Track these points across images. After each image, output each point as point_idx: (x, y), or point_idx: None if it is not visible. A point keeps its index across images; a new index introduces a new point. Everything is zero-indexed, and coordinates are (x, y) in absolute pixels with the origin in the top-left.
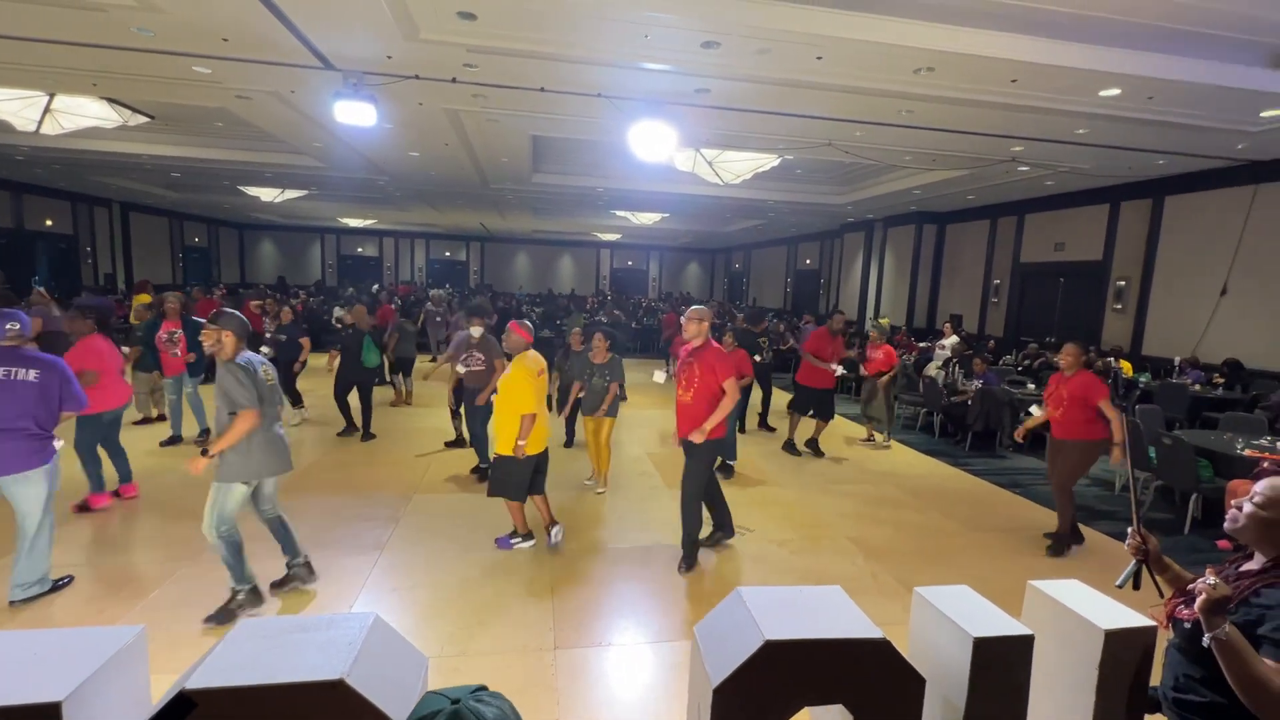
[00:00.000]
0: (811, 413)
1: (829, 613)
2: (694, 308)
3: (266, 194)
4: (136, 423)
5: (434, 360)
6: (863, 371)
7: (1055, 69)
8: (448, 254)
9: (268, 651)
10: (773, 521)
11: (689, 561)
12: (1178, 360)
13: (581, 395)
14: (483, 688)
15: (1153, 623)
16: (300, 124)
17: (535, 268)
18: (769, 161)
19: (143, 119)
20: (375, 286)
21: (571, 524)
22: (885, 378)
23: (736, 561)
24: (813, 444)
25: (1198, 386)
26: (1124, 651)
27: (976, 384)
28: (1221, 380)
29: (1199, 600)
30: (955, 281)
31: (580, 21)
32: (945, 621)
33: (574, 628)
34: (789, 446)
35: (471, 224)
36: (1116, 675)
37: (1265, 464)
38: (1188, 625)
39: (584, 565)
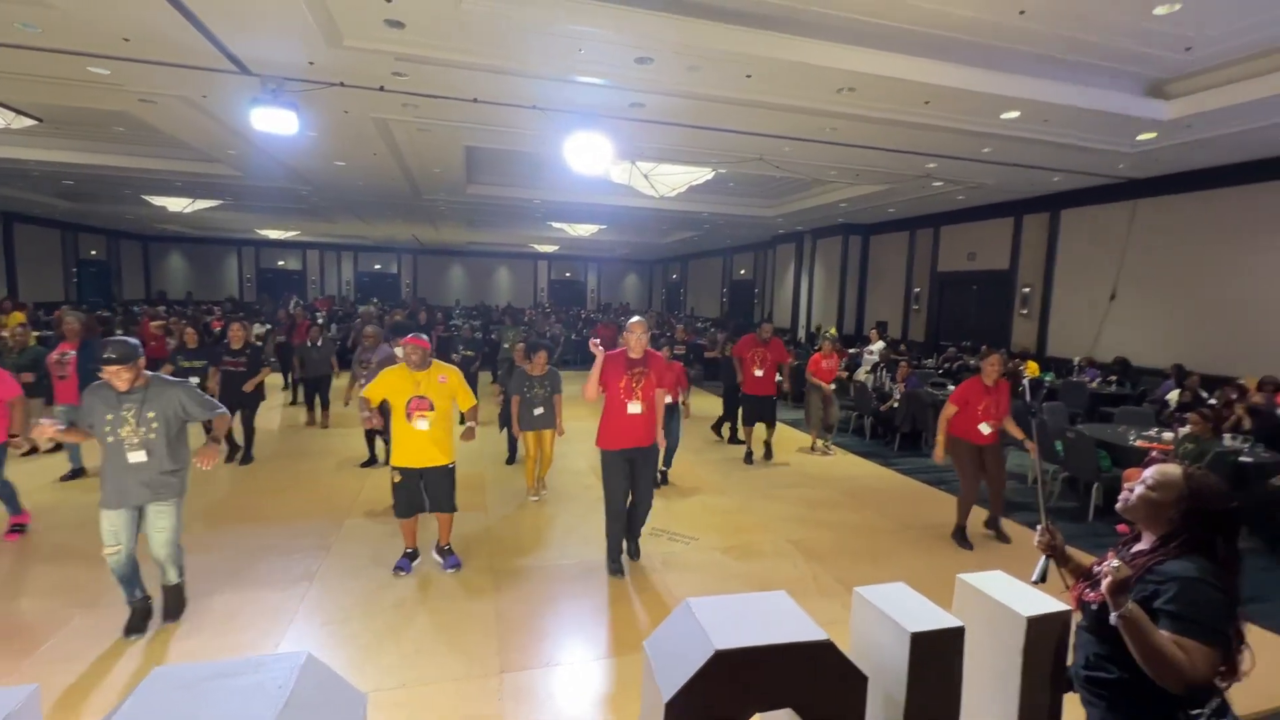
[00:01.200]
0: (759, 421)
1: (775, 618)
2: (635, 319)
3: (175, 204)
4: (24, 454)
5: (355, 380)
6: (814, 381)
7: (963, 92)
8: (378, 266)
9: (184, 704)
10: (714, 529)
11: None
12: (1077, 360)
13: (536, 410)
14: None
15: (1068, 607)
16: (213, 130)
17: (471, 280)
18: (703, 175)
19: (29, 121)
20: (292, 301)
21: (515, 541)
22: (832, 387)
23: (681, 571)
24: (767, 449)
25: (1095, 384)
26: (1044, 636)
27: (901, 387)
28: (1114, 378)
29: (1105, 582)
30: (880, 289)
31: (513, 34)
32: (884, 619)
33: (520, 649)
34: (748, 457)
35: (403, 236)
36: (1038, 658)
37: (1154, 453)
38: (1094, 607)
39: (528, 584)
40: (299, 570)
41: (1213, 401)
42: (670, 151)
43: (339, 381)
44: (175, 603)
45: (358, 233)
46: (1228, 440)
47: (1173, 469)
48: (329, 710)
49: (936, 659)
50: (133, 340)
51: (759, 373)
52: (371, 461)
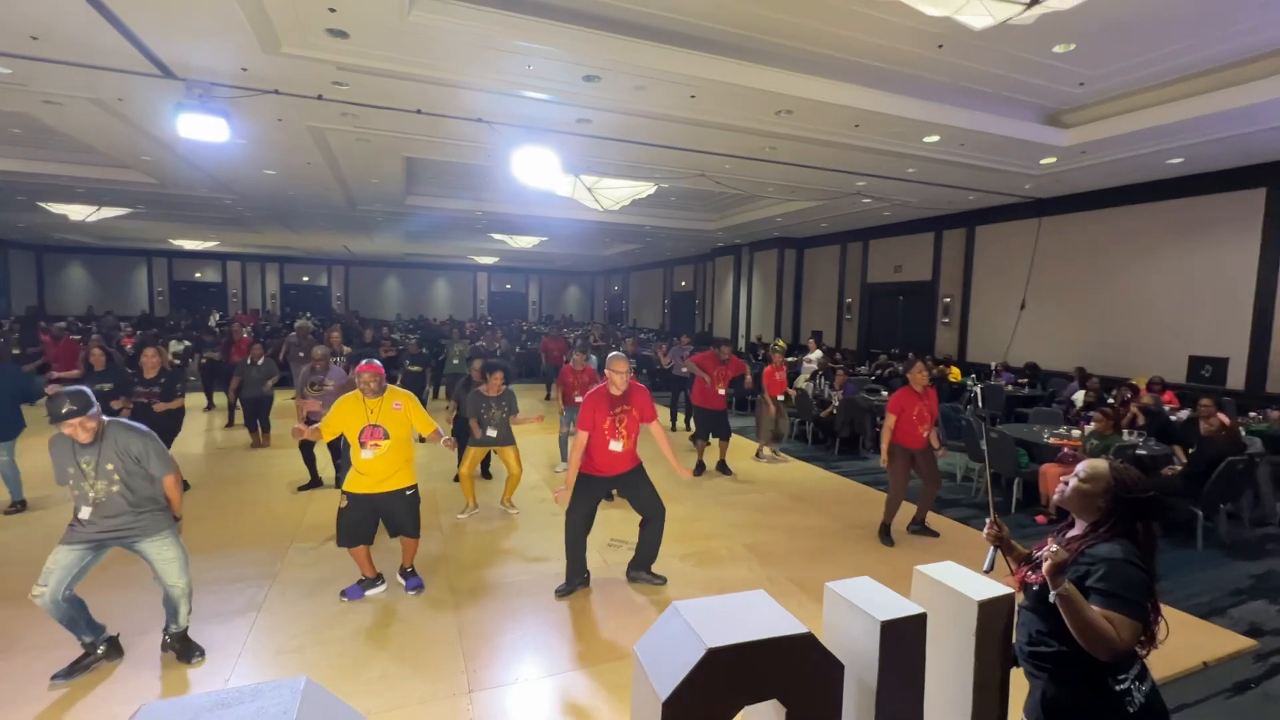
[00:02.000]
0: (710, 434)
1: (757, 615)
2: (616, 355)
3: (77, 211)
4: None
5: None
6: (766, 393)
7: (890, 117)
8: (305, 278)
9: None
10: (670, 537)
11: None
12: (994, 365)
13: (490, 432)
14: None
15: (1012, 590)
16: (127, 135)
17: (407, 292)
18: (646, 189)
19: None
20: (216, 316)
21: (472, 559)
22: (782, 398)
23: (643, 579)
24: (721, 465)
25: (1010, 387)
26: (993, 617)
27: (839, 394)
28: (1025, 381)
29: (1045, 565)
30: (814, 300)
31: (461, 48)
32: (855, 610)
33: (487, 667)
34: (698, 469)
35: (334, 246)
36: (989, 638)
37: (1066, 450)
38: (1036, 588)
39: (490, 601)
40: (243, 600)
41: (1112, 401)
42: (615, 166)
43: (284, 401)
44: (190, 644)
45: (284, 243)
46: (1126, 436)
47: (1101, 464)
48: None
49: (903, 643)
50: (85, 388)
51: (721, 391)
52: (314, 484)
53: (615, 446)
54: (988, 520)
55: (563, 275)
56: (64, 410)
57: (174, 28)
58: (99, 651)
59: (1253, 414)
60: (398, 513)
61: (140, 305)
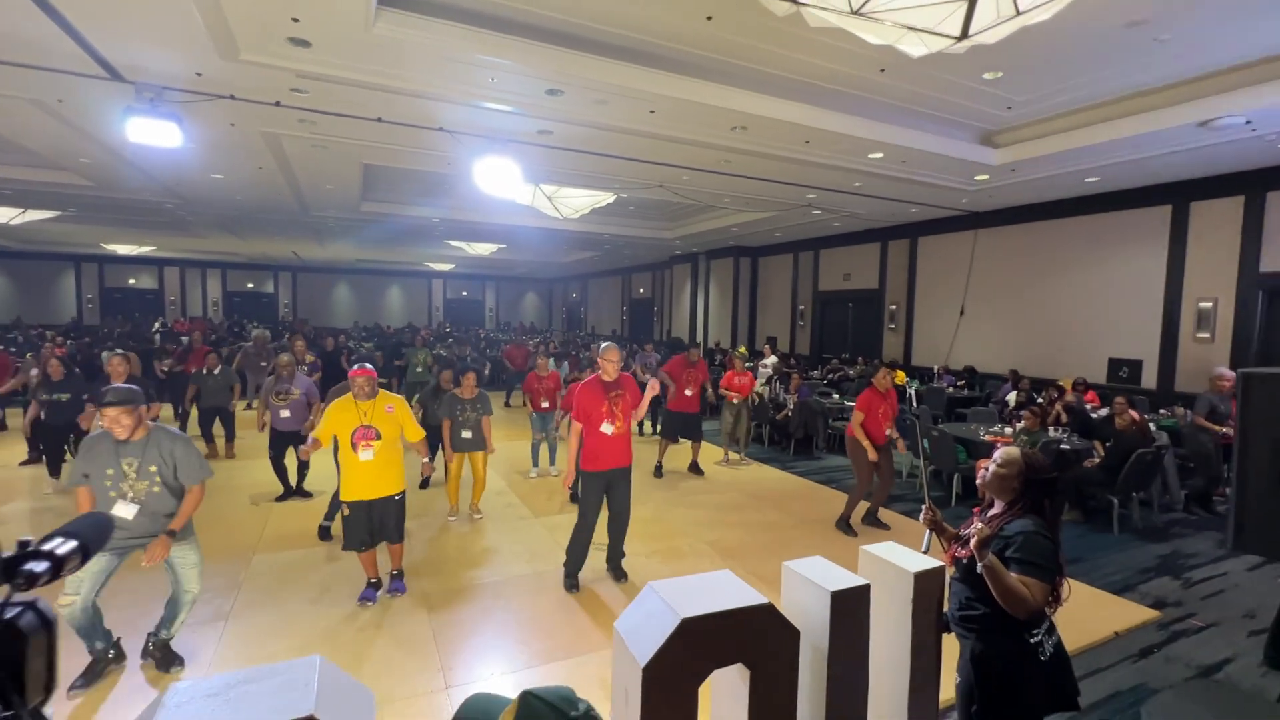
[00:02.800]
0: (681, 436)
1: (723, 590)
2: (609, 345)
3: (1, 214)
4: None
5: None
6: (729, 398)
7: (837, 135)
8: (250, 285)
9: (221, 708)
10: (636, 536)
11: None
12: (936, 368)
13: (465, 434)
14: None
15: (944, 564)
16: (65, 137)
17: (359, 300)
18: (606, 198)
19: None
20: (157, 324)
21: (443, 563)
22: (747, 401)
23: (610, 576)
24: (693, 466)
25: (950, 389)
26: (927, 587)
27: (794, 398)
28: (964, 383)
29: (973, 541)
30: (769, 307)
31: (425, 60)
32: (808, 583)
33: (463, 665)
34: (658, 470)
35: (282, 252)
36: (923, 606)
37: (999, 446)
38: (965, 561)
39: (463, 603)
40: (209, 611)
41: (1040, 400)
42: (575, 176)
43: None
44: (171, 654)
45: (229, 248)
46: (1052, 432)
47: (1014, 450)
48: (350, 704)
49: (850, 612)
50: (136, 386)
51: (689, 392)
52: (288, 493)
53: (606, 429)
54: (924, 507)
55: (521, 282)
56: (107, 398)
57: (127, 31)
58: (109, 656)
59: (1163, 410)
60: (388, 517)
61: (68, 313)
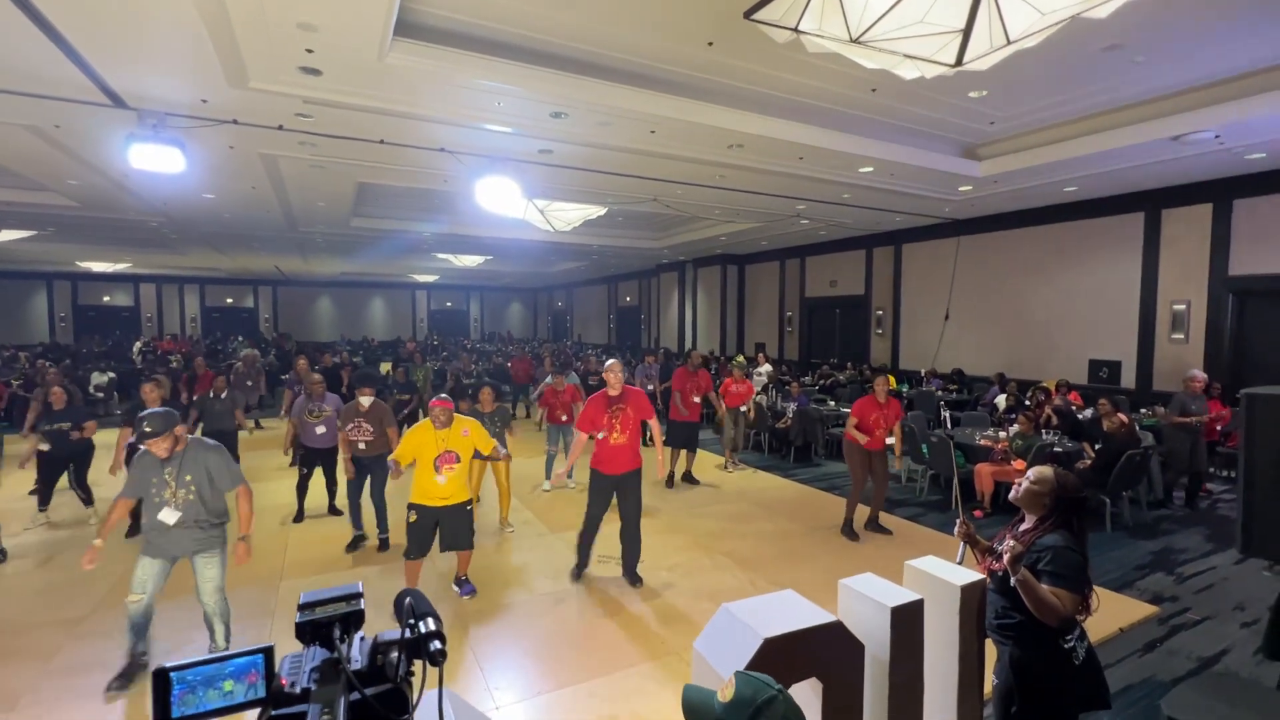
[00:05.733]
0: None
1: (792, 609)
2: (612, 361)
3: None
4: None
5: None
6: (723, 406)
7: (830, 151)
8: (230, 300)
9: None
10: (657, 549)
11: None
12: (924, 372)
13: None
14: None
15: (983, 576)
16: (58, 161)
17: (342, 313)
18: (598, 211)
19: None
20: (140, 343)
21: (473, 581)
22: (746, 408)
23: (637, 588)
24: (687, 476)
25: (939, 392)
26: (971, 599)
27: (794, 405)
28: (954, 386)
29: (1006, 557)
30: (757, 314)
31: (435, 87)
32: (867, 600)
33: (509, 686)
34: (669, 480)
35: (263, 267)
36: (968, 615)
37: (996, 450)
38: (1000, 574)
39: (497, 622)
40: (250, 639)
41: (1029, 403)
42: (571, 191)
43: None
44: None
45: (209, 264)
46: (1045, 435)
47: (1047, 470)
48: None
49: (908, 624)
50: (172, 411)
51: (696, 399)
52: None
53: (615, 440)
54: (958, 521)
55: (506, 292)
56: (145, 429)
57: (137, 61)
58: (144, 662)
59: (1143, 410)
60: (459, 526)
61: (40, 333)
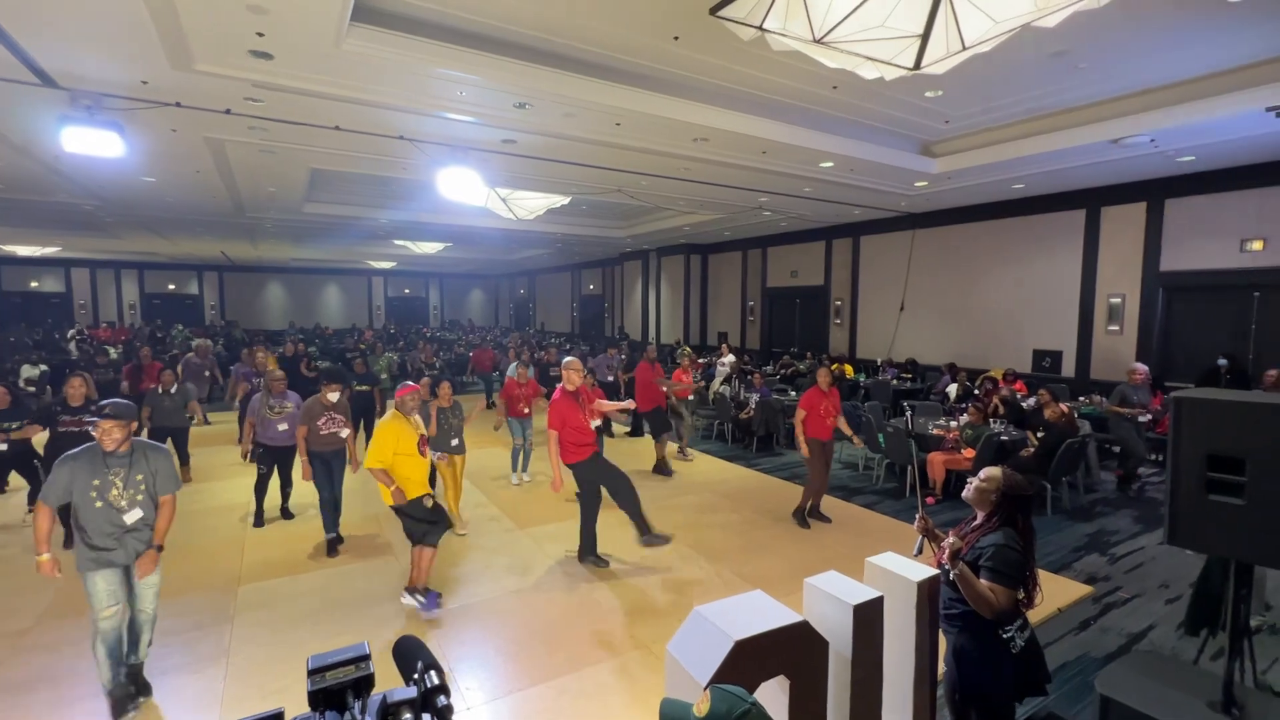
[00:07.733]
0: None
1: (760, 610)
2: (571, 359)
3: None
4: None
5: (250, 429)
6: (673, 397)
7: (792, 146)
8: (172, 286)
9: None
10: (623, 543)
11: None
12: (880, 361)
13: (454, 441)
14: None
15: (938, 571)
16: None
17: (293, 300)
18: (561, 200)
19: None
20: (73, 331)
21: (436, 581)
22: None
23: (607, 583)
24: (662, 466)
25: (895, 381)
26: (928, 593)
27: (757, 396)
28: (908, 375)
29: (945, 553)
30: (720, 303)
31: (394, 74)
32: (830, 598)
33: (479, 686)
34: (660, 467)
35: (209, 252)
36: (925, 609)
37: (948, 439)
38: (945, 567)
39: (464, 622)
40: (208, 648)
41: (978, 393)
42: (534, 180)
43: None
44: (142, 681)
45: (149, 249)
46: (993, 425)
47: (995, 470)
48: None
49: (869, 621)
50: (132, 404)
51: (664, 388)
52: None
53: (584, 423)
54: (918, 515)
55: (466, 279)
56: (108, 411)
57: (69, 38)
58: (132, 691)
59: (1081, 398)
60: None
61: None
